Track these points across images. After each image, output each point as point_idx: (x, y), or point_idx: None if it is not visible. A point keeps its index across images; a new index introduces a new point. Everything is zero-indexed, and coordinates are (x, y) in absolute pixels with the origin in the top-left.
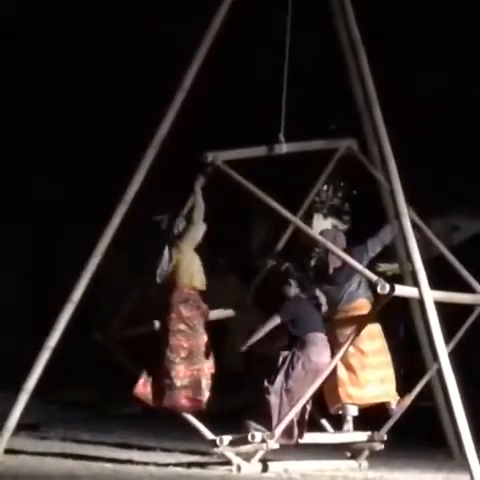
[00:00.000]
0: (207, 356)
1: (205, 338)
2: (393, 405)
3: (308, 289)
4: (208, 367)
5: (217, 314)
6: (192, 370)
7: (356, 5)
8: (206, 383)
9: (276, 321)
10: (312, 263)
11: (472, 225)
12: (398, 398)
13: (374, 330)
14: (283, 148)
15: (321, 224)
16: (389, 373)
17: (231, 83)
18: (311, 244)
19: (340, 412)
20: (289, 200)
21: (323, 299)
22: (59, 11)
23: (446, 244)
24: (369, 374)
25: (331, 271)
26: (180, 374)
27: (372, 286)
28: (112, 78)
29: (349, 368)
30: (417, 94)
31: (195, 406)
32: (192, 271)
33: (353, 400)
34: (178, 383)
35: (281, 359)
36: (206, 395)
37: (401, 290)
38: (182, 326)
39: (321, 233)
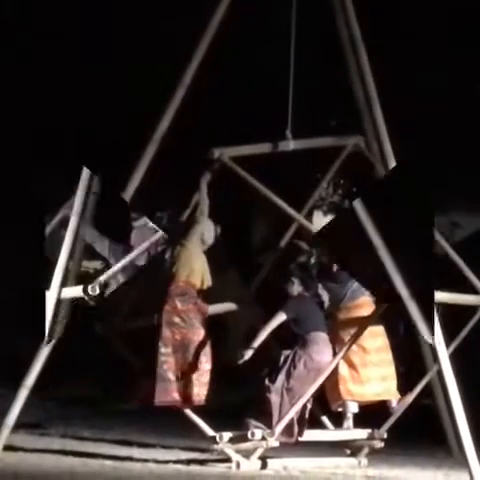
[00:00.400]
0: (202, 351)
1: (201, 333)
2: (394, 403)
3: (311, 287)
4: (203, 362)
5: (216, 308)
6: (184, 364)
7: (356, 2)
8: (197, 378)
9: (282, 318)
10: (312, 260)
11: (472, 222)
12: (399, 396)
13: (376, 328)
14: (290, 145)
15: (321, 221)
16: (390, 371)
17: (238, 79)
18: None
19: (340, 409)
20: (291, 197)
21: (325, 297)
22: (58, 11)
23: (446, 241)
24: (370, 371)
25: (335, 269)
26: (171, 367)
27: None
28: (111, 77)
29: (351, 365)
30: (417, 92)
31: (187, 401)
32: (192, 267)
33: (354, 397)
34: (170, 376)
35: (282, 358)
36: (196, 390)
37: None
38: (176, 319)
39: None
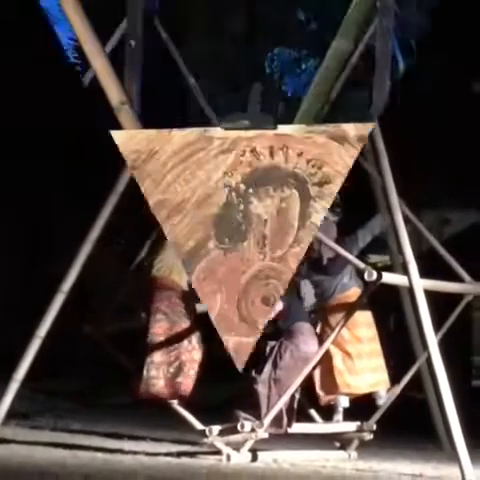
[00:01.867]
0: (189, 344)
1: (188, 327)
2: (382, 392)
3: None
4: (190, 354)
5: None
6: (170, 356)
7: None
8: (184, 370)
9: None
10: None
11: (463, 218)
12: (389, 386)
13: (368, 317)
14: None
15: None
16: (380, 361)
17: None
18: None
19: (332, 403)
20: None
21: (308, 290)
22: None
23: (437, 237)
24: (364, 362)
25: (325, 262)
26: (158, 358)
27: (359, 273)
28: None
29: (346, 356)
30: (411, 89)
31: (173, 393)
32: (171, 265)
33: (351, 389)
34: (156, 368)
35: (268, 349)
36: (182, 381)
37: (388, 277)
38: (160, 315)
39: None
